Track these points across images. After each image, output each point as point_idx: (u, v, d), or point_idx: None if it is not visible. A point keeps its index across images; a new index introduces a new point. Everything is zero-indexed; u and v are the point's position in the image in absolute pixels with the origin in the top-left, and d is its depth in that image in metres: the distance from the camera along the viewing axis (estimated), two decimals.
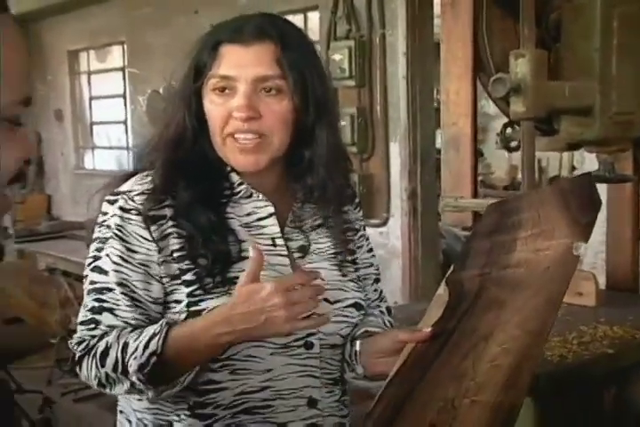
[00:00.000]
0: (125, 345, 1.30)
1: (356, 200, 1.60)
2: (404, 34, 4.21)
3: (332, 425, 1.44)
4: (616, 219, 2.85)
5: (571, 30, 2.34)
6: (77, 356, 1.36)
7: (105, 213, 1.39)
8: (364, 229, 1.61)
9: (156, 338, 1.27)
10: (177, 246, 1.35)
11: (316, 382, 1.41)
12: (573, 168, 6.62)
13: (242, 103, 1.34)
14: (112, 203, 1.38)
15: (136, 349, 1.28)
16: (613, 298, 2.70)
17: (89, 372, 1.34)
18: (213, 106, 1.38)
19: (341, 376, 1.47)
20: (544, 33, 2.40)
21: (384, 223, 4.53)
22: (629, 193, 2.80)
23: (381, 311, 1.58)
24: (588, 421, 2.12)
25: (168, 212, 1.36)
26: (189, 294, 1.34)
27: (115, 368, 1.30)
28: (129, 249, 1.35)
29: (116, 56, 7.68)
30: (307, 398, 1.40)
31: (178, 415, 1.38)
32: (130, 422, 1.45)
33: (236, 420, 1.36)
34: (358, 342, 1.41)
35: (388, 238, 4.48)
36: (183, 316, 1.33)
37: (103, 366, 1.31)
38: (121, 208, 1.36)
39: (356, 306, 1.47)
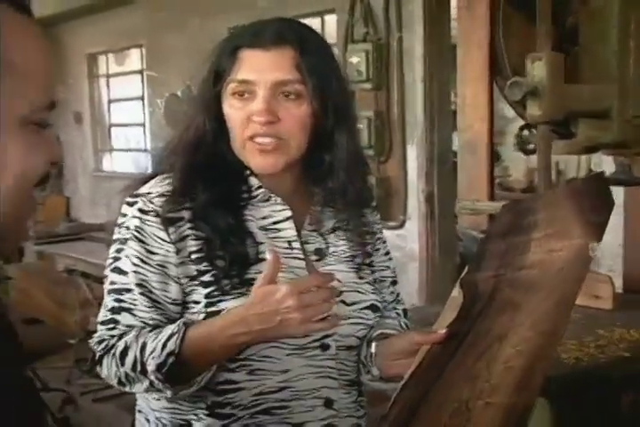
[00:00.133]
0: (144, 345, 1.31)
1: (374, 203, 1.61)
2: (422, 36, 4.21)
3: (348, 426, 1.45)
4: (633, 222, 2.85)
5: (588, 33, 2.33)
6: (98, 355, 1.38)
7: (124, 215, 1.41)
8: (381, 232, 1.62)
9: (174, 338, 1.29)
10: (195, 248, 1.37)
11: (333, 383, 1.42)
12: (590, 171, 6.59)
13: (261, 108, 1.35)
14: (131, 205, 1.40)
15: (154, 348, 1.30)
16: (630, 301, 2.69)
17: (109, 371, 1.36)
18: (233, 110, 1.39)
19: (358, 377, 1.48)
20: (561, 36, 2.40)
21: (401, 226, 4.54)
22: None
23: (398, 314, 1.59)
24: (604, 424, 2.11)
25: (186, 214, 1.38)
26: (207, 295, 1.35)
27: (134, 367, 1.32)
28: (147, 250, 1.37)
29: (134, 59, 7.72)
30: (323, 399, 1.41)
31: (196, 415, 1.39)
32: (148, 421, 1.47)
33: (255, 420, 1.37)
34: (374, 344, 1.42)
35: (406, 241, 4.49)
36: (201, 316, 1.35)
37: (123, 365, 1.33)
38: (140, 210, 1.38)
39: (373, 308, 1.48)
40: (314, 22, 5.00)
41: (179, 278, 1.37)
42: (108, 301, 1.40)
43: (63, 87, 8.11)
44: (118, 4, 6.87)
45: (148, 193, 1.40)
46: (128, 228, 1.39)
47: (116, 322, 1.38)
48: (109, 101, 8.31)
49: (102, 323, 1.40)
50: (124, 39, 7.34)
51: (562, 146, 2.30)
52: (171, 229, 1.37)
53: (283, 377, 1.37)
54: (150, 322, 1.37)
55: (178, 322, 1.32)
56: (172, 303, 1.38)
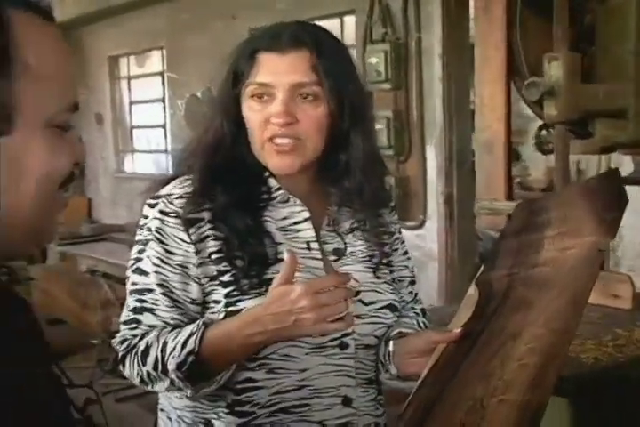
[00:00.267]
0: (165, 344, 1.33)
1: (392, 204, 1.62)
2: (440, 36, 4.21)
3: (366, 424, 1.47)
4: None
5: (605, 33, 2.33)
6: (120, 355, 1.41)
7: (146, 217, 1.43)
8: (400, 232, 1.63)
9: (193, 337, 1.31)
10: (214, 248, 1.39)
11: (351, 381, 1.44)
12: None
13: (279, 110, 1.37)
14: (152, 206, 1.42)
15: (174, 348, 1.32)
16: None
17: (131, 370, 1.38)
18: (252, 112, 1.41)
19: (376, 376, 1.49)
20: (578, 35, 2.40)
21: (421, 226, 4.54)
22: None
23: (416, 313, 1.60)
24: (622, 423, 2.11)
25: (206, 215, 1.40)
26: (227, 295, 1.37)
27: (155, 366, 1.34)
28: (168, 251, 1.39)
29: (155, 61, 7.76)
30: (342, 397, 1.42)
31: (216, 413, 1.41)
32: (170, 419, 1.49)
33: (274, 418, 1.39)
34: (392, 343, 1.43)
35: (425, 241, 4.49)
36: (221, 316, 1.37)
37: (144, 364, 1.35)
38: (161, 211, 1.40)
39: (391, 308, 1.49)
40: (333, 23, 5.02)
41: (199, 279, 1.39)
42: (130, 301, 1.42)
43: (85, 89, 8.16)
44: (139, 6, 6.91)
45: (169, 195, 1.42)
46: (149, 229, 1.41)
47: (138, 322, 1.40)
48: (130, 103, 8.35)
49: (125, 323, 1.42)
50: (145, 41, 7.38)
51: (578, 145, 2.31)
52: (191, 230, 1.39)
53: (301, 376, 1.38)
54: (171, 322, 1.39)
55: (197, 322, 1.34)
56: (192, 303, 1.40)
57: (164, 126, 7.58)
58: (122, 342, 1.41)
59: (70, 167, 0.78)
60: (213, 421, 1.42)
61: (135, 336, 1.39)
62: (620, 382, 2.11)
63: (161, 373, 1.34)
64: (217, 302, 1.39)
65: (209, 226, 1.39)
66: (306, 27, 1.46)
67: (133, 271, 1.43)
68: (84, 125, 8.29)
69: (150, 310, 1.39)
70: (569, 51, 2.19)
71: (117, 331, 1.45)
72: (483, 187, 2.84)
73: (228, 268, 1.38)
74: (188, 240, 1.38)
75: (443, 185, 4.32)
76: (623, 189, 1.33)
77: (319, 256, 1.45)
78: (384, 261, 1.53)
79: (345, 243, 1.50)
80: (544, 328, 1.14)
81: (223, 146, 1.45)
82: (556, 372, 1.10)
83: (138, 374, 1.37)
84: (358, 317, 1.42)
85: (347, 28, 5.05)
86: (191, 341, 1.31)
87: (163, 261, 1.39)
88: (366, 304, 1.45)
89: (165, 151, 7.62)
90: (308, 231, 1.46)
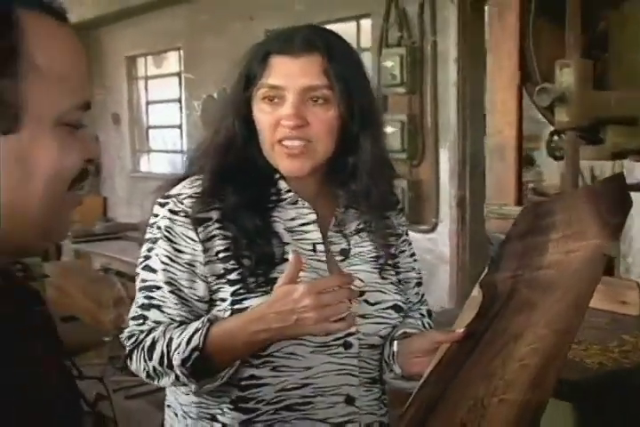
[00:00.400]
0: (170, 340, 1.36)
1: (399, 206, 1.64)
2: (455, 41, 4.21)
3: (369, 423, 1.48)
4: None
5: (618, 40, 2.34)
6: (128, 349, 1.43)
7: (156, 215, 1.45)
8: (407, 235, 1.64)
9: (198, 334, 1.33)
10: (222, 247, 1.41)
11: (355, 380, 1.45)
12: None
13: (290, 112, 1.39)
14: (163, 205, 1.45)
15: (179, 344, 1.34)
16: None
17: (138, 365, 1.41)
18: (263, 114, 1.43)
19: (380, 376, 1.51)
20: (591, 42, 2.41)
21: (433, 229, 4.54)
22: None
23: (421, 314, 1.61)
24: None
25: (215, 214, 1.42)
26: (233, 293, 1.39)
27: (161, 362, 1.36)
28: (176, 249, 1.41)
29: (172, 62, 7.78)
30: (344, 396, 1.44)
31: (221, 409, 1.43)
32: (176, 415, 1.52)
33: (278, 416, 1.41)
34: (396, 343, 1.45)
35: (437, 244, 4.49)
36: (228, 313, 1.39)
37: (150, 359, 1.38)
38: (170, 210, 1.43)
39: (396, 308, 1.51)
40: (349, 26, 5.03)
41: (206, 277, 1.41)
42: (139, 297, 1.45)
43: (102, 89, 8.21)
44: (158, 7, 6.94)
45: (179, 194, 1.44)
46: (159, 227, 1.43)
47: (145, 318, 1.43)
48: (147, 103, 8.38)
49: (133, 318, 1.45)
50: (163, 42, 7.40)
51: (589, 151, 2.31)
52: (199, 229, 1.41)
53: (305, 374, 1.40)
54: (178, 318, 1.41)
55: (202, 319, 1.36)
56: (199, 301, 1.42)
57: (180, 127, 7.60)
58: (129, 337, 1.43)
59: (81, 165, 0.79)
60: (218, 416, 1.44)
61: (142, 332, 1.42)
62: (624, 387, 2.12)
63: (166, 368, 1.36)
64: (223, 299, 1.41)
65: (217, 225, 1.41)
66: (318, 31, 1.48)
67: (143, 269, 1.45)
68: (101, 125, 8.33)
69: (158, 307, 1.42)
70: (581, 57, 2.20)
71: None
72: (493, 191, 2.85)
73: (236, 266, 1.40)
74: (196, 239, 1.41)
75: (455, 188, 4.33)
76: (628, 192, 1.34)
77: (324, 258, 1.47)
78: (390, 262, 1.55)
79: (351, 244, 1.52)
80: (546, 329, 1.15)
81: (234, 147, 1.47)
82: (556, 372, 1.12)
83: (144, 368, 1.40)
84: (363, 316, 1.44)
85: (363, 32, 5.06)
86: (196, 337, 1.33)
87: (171, 260, 1.41)
88: (371, 304, 1.47)
89: (181, 151, 7.63)
90: (314, 233, 1.48)
